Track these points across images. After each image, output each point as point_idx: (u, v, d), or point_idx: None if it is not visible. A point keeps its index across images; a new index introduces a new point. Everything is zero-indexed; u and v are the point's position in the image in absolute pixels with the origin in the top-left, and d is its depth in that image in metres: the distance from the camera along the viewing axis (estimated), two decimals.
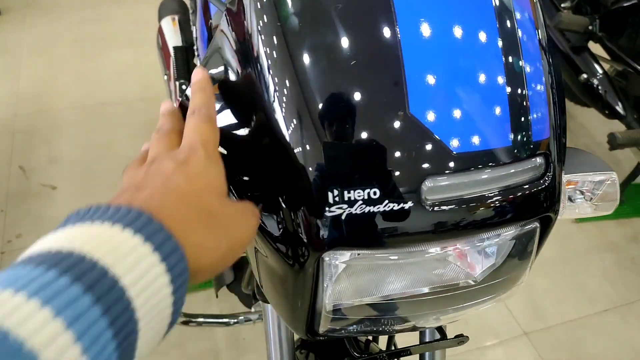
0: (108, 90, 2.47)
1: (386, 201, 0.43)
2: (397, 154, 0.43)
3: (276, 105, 0.44)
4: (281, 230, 0.46)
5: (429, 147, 0.43)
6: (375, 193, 0.43)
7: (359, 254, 0.46)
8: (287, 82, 0.44)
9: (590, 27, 2.07)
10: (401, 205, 0.43)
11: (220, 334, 1.60)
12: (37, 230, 1.86)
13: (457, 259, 0.52)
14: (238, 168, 0.48)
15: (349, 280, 0.49)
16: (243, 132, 0.48)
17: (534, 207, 0.49)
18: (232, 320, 1.16)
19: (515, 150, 0.46)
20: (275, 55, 0.45)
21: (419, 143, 0.43)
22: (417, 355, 0.74)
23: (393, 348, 0.80)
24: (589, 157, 0.70)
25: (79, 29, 2.89)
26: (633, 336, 1.72)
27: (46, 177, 2.06)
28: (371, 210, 0.43)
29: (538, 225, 0.52)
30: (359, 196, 0.43)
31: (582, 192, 0.69)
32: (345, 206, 0.43)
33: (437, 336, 0.68)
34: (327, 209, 0.43)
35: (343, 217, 0.43)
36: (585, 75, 2.04)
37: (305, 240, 0.44)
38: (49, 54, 2.72)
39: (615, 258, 1.95)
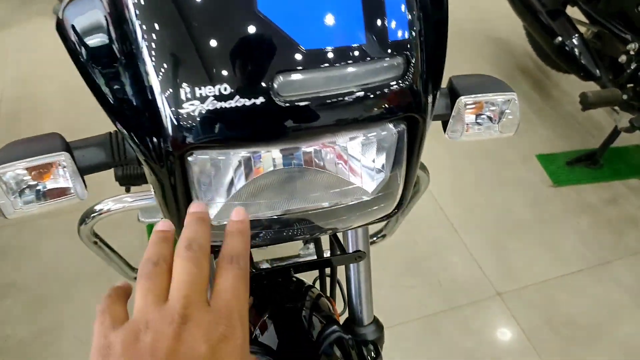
0: None
1: (237, 97, 0.45)
2: (245, 50, 0.44)
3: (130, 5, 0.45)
4: (145, 131, 0.48)
5: (278, 43, 0.45)
6: (225, 89, 0.44)
7: (221, 153, 0.48)
8: None
9: None
10: (253, 101, 0.45)
11: None
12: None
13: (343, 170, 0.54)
14: (104, 79, 0.49)
15: (225, 188, 0.51)
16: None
17: (394, 107, 0.50)
18: None
19: (370, 49, 0.47)
20: None
21: (268, 39, 0.45)
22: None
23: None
24: (493, 81, 0.71)
25: None
26: (607, 295, 1.72)
27: None
28: (223, 107, 0.45)
29: (405, 127, 0.53)
30: (210, 92, 0.44)
31: (487, 116, 0.70)
32: (197, 102, 0.44)
33: (337, 252, 0.69)
34: (180, 106, 0.45)
35: (196, 113, 0.45)
36: (560, 38, 2.03)
37: (166, 141, 0.46)
38: (36, 40, 2.76)
39: (592, 220, 1.95)
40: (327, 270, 1.07)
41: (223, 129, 0.45)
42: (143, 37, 0.44)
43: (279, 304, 0.86)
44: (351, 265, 0.75)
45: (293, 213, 0.57)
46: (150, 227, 1.80)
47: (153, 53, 0.44)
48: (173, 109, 0.45)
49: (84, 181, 0.60)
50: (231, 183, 0.50)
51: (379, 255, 1.80)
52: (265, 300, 0.87)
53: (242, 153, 0.48)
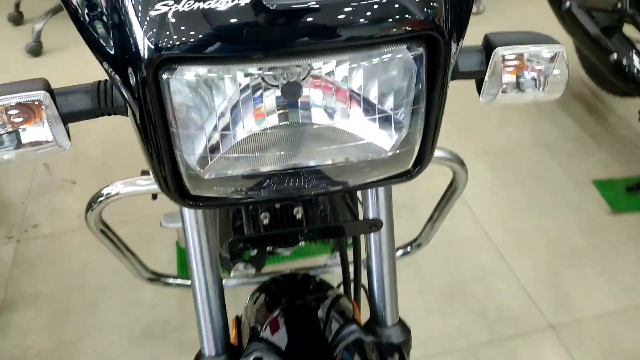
0: None
1: None
2: None
3: None
4: (115, 45, 0.41)
5: None
6: None
7: (200, 70, 0.41)
8: None
9: (619, 5, 1.95)
10: (236, 1, 0.38)
11: None
12: (53, 221, 1.90)
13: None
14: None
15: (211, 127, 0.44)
16: None
17: (407, 22, 0.41)
18: None
19: None
20: None
21: None
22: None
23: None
24: (536, 35, 0.62)
25: None
26: None
27: (68, 173, 2.11)
28: (200, 7, 0.38)
29: (423, 51, 0.44)
30: None
31: (530, 77, 0.60)
32: (171, 2, 0.38)
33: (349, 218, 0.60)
34: (151, 7, 0.38)
35: (170, 15, 0.38)
36: (616, 55, 1.91)
37: (136, 52, 0.40)
38: (79, 56, 2.84)
39: None
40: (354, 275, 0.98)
41: (200, 35, 0.38)
42: None
43: (292, 301, 0.77)
44: (373, 254, 0.65)
45: (296, 168, 0.49)
46: (180, 250, 1.75)
47: None
48: (142, 12, 0.38)
49: (67, 130, 0.54)
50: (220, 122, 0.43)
51: (418, 278, 1.68)
52: (278, 296, 0.78)
53: (231, 71, 0.41)
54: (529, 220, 1.87)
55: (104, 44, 0.43)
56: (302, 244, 1.03)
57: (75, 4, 0.45)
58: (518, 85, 0.60)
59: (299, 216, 1.00)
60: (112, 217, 0.99)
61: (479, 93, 0.60)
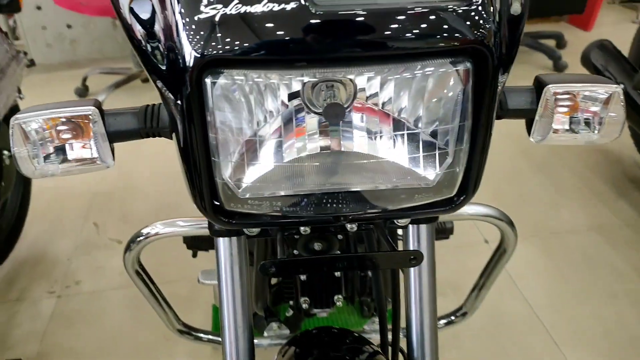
0: None
1: (265, 0, 0.38)
2: None
3: None
4: (161, 49, 0.42)
5: None
6: None
7: (242, 75, 0.41)
8: None
9: None
10: (282, 5, 0.38)
11: None
12: (96, 279, 1.92)
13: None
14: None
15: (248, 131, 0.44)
16: None
17: (453, 35, 0.41)
18: None
19: None
20: None
21: None
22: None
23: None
24: (590, 76, 0.60)
25: None
26: None
27: (115, 232, 2.15)
28: (248, 11, 0.39)
29: (470, 66, 0.43)
30: None
31: (583, 120, 0.58)
32: (219, 6, 0.39)
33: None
34: (200, 10, 0.39)
35: (217, 18, 0.39)
36: None
37: (183, 55, 0.40)
38: None
39: None
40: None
41: (244, 38, 0.39)
42: None
43: (325, 354, 0.72)
44: (412, 297, 0.61)
45: (334, 191, 0.48)
46: (216, 309, 1.72)
47: None
48: (192, 16, 0.39)
49: (112, 150, 0.55)
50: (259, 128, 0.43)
51: (462, 353, 1.57)
52: (310, 350, 0.73)
53: (273, 77, 0.41)
54: (583, 306, 1.75)
55: (158, 63, 0.45)
56: (339, 303, 0.99)
57: (139, 37, 0.47)
58: (570, 126, 0.57)
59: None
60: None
61: (529, 133, 0.58)
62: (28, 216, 2.11)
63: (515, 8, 0.46)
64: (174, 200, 2.31)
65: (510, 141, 2.55)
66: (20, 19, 3.47)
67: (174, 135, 0.50)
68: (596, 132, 0.57)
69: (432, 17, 0.40)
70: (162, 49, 0.42)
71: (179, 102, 0.43)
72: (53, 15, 3.45)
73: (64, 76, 3.53)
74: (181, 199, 2.31)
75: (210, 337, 1.09)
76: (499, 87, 0.46)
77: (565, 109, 0.57)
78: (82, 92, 3.27)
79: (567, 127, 0.58)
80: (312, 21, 0.39)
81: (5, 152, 1.68)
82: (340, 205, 0.48)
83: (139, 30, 0.46)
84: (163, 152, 2.74)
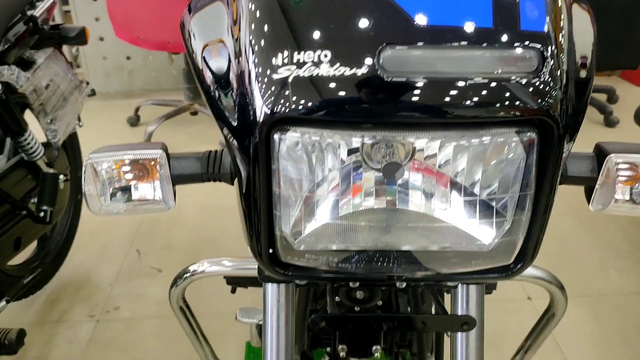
0: (227, 196, 2.65)
1: (337, 64, 0.40)
2: (353, 17, 0.41)
3: None
4: (238, 112, 0.44)
5: (389, 14, 0.41)
6: (326, 56, 0.40)
7: (311, 132, 0.42)
8: None
9: None
10: (354, 70, 0.40)
11: None
12: (135, 306, 1.94)
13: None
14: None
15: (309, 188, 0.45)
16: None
17: (520, 105, 0.41)
18: None
19: (495, 34, 0.41)
20: None
21: (379, 9, 0.41)
22: None
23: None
24: None
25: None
26: None
27: (156, 261, 2.19)
28: (319, 74, 0.40)
29: (535, 136, 0.43)
30: (309, 58, 0.40)
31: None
32: (293, 67, 0.41)
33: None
34: (275, 70, 0.41)
35: (290, 79, 0.41)
36: None
37: (254, 111, 0.42)
38: None
39: None
40: None
41: (315, 99, 0.40)
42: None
43: None
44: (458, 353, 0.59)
45: (387, 250, 0.48)
46: (249, 346, 1.71)
47: (254, 17, 0.43)
48: (266, 74, 0.41)
49: (174, 192, 0.57)
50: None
51: None
52: None
53: (336, 137, 0.42)
54: None
55: (228, 115, 0.47)
56: (377, 354, 0.97)
57: (209, 83, 0.50)
58: (632, 197, 0.56)
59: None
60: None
61: (589, 201, 0.57)
62: (75, 240, 2.18)
63: (583, 72, 0.46)
64: (215, 235, 2.35)
65: (560, 199, 2.49)
66: (82, 48, 3.66)
67: (235, 181, 0.51)
68: None
69: (497, 86, 0.41)
70: (233, 99, 0.44)
71: (244, 152, 0.45)
72: (114, 46, 3.63)
73: (119, 105, 3.68)
74: (221, 235, 2.34)
75: None
76: (564, 155, 0.46)
77: (627, 179, 0.56)
78: (134, 121, 3.40)
79: (627, 197, 0.56)
80: (382, 86, 0.40)
81: (61, 176, 1.75)
82: (392, 265, 0.48)
83: (208, 76, 0.48)
84: (211, 188, 2.79)
